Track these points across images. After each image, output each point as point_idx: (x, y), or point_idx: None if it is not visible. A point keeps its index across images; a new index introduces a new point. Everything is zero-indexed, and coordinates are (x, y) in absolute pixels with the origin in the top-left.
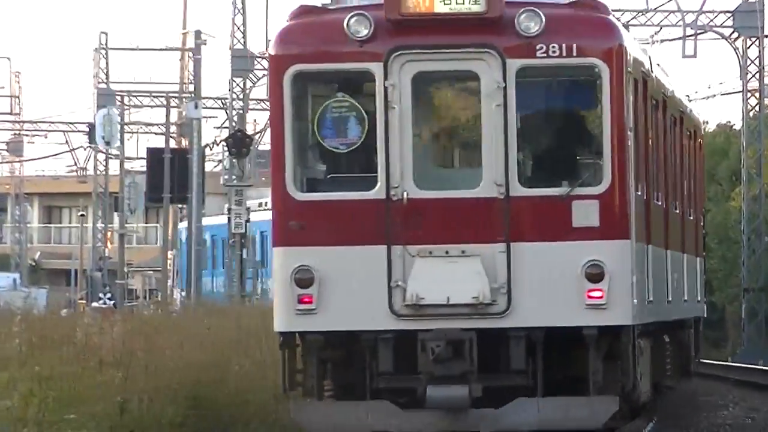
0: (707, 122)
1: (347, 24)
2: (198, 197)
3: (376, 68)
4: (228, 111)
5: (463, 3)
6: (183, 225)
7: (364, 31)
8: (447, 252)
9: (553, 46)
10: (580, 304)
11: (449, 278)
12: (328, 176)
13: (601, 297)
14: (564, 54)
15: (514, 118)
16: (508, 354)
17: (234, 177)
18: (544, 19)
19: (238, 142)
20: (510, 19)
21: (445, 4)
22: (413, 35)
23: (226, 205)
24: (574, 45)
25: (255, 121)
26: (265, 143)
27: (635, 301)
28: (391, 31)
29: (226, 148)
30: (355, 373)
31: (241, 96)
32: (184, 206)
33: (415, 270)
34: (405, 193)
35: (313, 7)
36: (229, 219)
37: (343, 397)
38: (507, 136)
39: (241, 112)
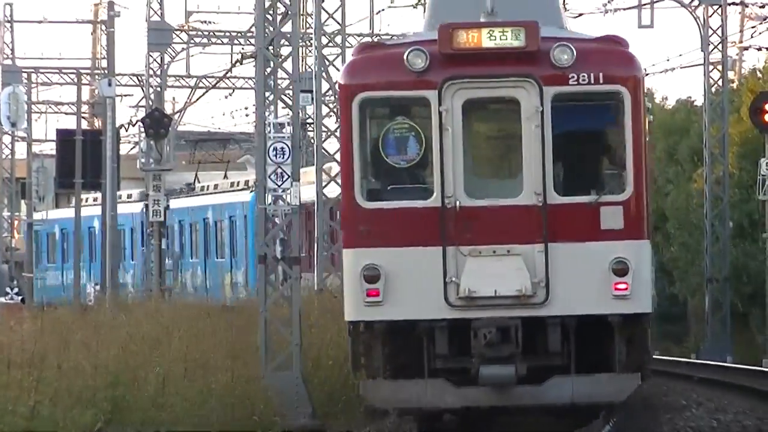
0: (666, 98)
1: (406, 57)
2: (113, 182)
3: (431, 95)
4: (144, 88)
5: (506, 39)
6: (91, 211)
7: (421, 64)
8: (494, 251)
9: (583, 75)
10: (607, 295)
11: (496, 274)
12: (390, 187)
13: (626, 289)
14: (592, 82)
15: (550, 137)
16: (545, 338)
17: (151, 160)
18: (575, 52)
19: (156, 122)
20: (546, 52)
21: (490, 39)
22: (463, 66)
23: (137, 191)
24: (601, 74)
25: (174, 99)
26: (185, 123)
27: (653, 292)
28: (444, 63)
29: (142, 129)
30: (412, 356)
31: (158, 72)
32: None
33: (467, 267)
34: (457, 202)
35: (374, 43)
36: (146, 206)
37: (401, 377)
38: (544, 152)
39: (158, 89)
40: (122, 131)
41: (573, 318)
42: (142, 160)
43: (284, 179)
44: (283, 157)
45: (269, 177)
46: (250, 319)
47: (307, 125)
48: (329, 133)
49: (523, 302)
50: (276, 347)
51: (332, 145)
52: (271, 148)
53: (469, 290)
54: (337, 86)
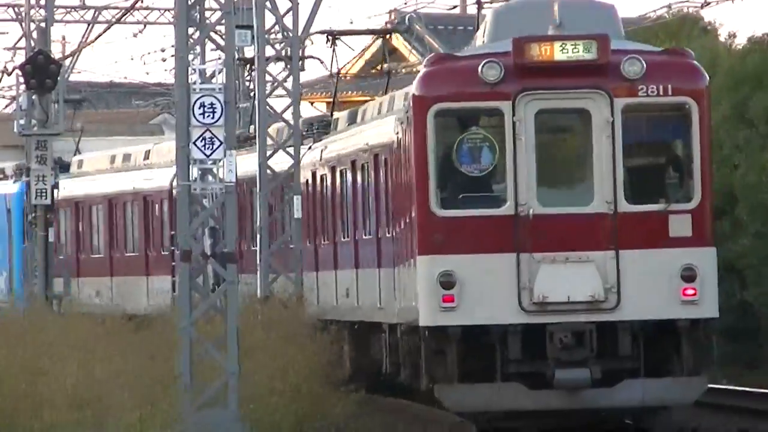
0: (734, 36)
1: (481, 69)
2: None
3: (505, 106)
4: (24, 24)
5: (578, 51)
6: None
7: (495, 76)
8: (567, 258)
9: (652, 87)
10: (676, 301)
11: (569, 280)
12: (464, 195)
13: (694, 294)
14: (661, 93)
15: (620, 147)
16: (616, 342)
17: (34, 122)
18: (644, 65)
19: (41, 70)
20: (616, 65)
21: (563, 52)
22: (536, 78)
23: (10, 164)
24: (669, 86)
25: (64, 39)
26: (78, 70)
27: (718, 297)
28: (517, 75)
29: (21, 79)
30: (485, 360)
31: (42, 2)
32: None
33: (541, 273)
34: (530, 210)
35: (447, 55)
36: (27, 184)
37: (473, 381)
38: (614, 162)
39: (43, 25)
40: None
41: (643, 322)
42: (22, 122)
43: (215, 147)
44: (212, 117)
45: (194, 144)
46: (167, 339)
47: (246, 72)
48: (275, 84)
49: (595, 307)
50: (204, 376)
51: (280, 102)
52: (197, 105)
53: (543, 296)
54: (410, 98)
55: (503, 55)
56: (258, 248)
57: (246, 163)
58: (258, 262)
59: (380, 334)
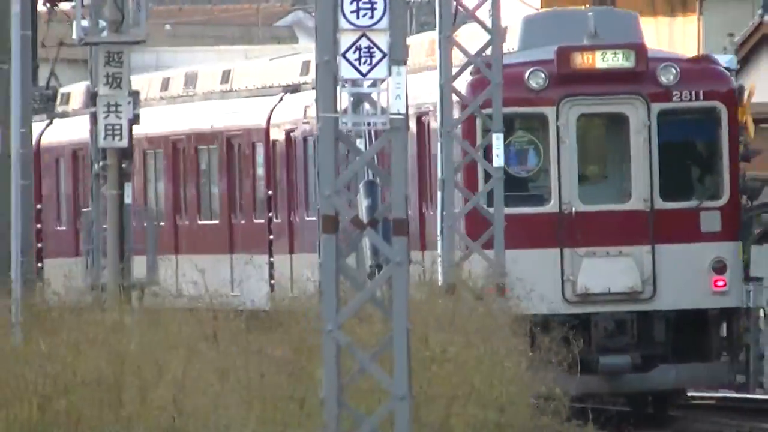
0: None
1: (527, 77)
2: (24, 67)
3: (549, 111)
4: None
5: (618, 60)
6: None
7: (540, 83)
8: (607, 253)
9: (685, 93)
10: (708, 291)
11: (609, 273)
12: (511, 194)
13: (724, 285)
14: (693, 98)
15: (656, 149)
16: (652, 329)
17: (103, 25)
18: (678, 72)
19: None
20: (652, 72)
21: (603, 60)
22: (578, 85)
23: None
24: (701, 91)
25: None
26: None
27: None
28: (560, 82)
29: None
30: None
31: None
32: None
33: (583, 267)
34: (573, 208)
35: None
36: (93, 116)
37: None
38: (651, 162)
39: None
40: None
41: (677, 312)
42: (84, 24)
43: (374, 60)
44: (371, 16)
45: (344, 56)
46: (294, 344)
47: None
48: None
49: (633, 298)
50: (358, 399)
51: None
52: None
53: (586, 287)
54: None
55: (546, 63)
56: (438, 211)
57: (419, 85)
58: (438, 232)
59: None
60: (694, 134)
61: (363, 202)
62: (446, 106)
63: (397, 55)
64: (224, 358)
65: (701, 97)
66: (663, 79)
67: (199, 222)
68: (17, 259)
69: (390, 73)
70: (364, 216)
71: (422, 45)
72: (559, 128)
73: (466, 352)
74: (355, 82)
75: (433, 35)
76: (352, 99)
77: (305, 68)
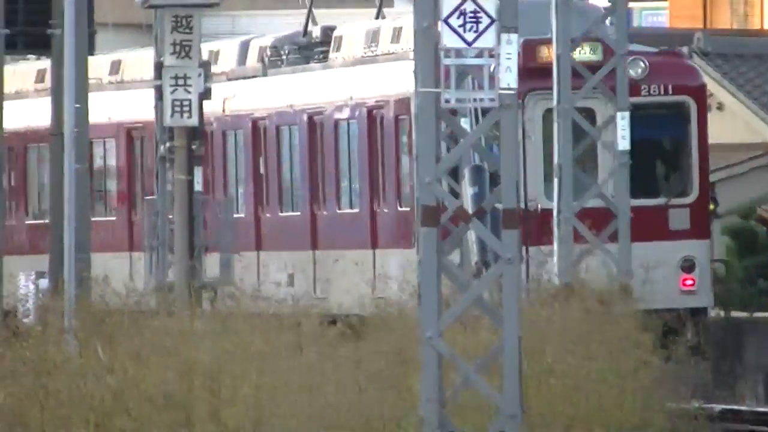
0: None
1: None
2: (79, 34)
3: None
4: None
5: (586, 54)
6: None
7: None
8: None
9: (654, 87)
10: (676, 291)
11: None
12: None
13: (692, 285)
14: (662, 93)
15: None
16: None
17: None
18: (647, 66)
19: None
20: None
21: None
22: (543, 79)
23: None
24: (670, 86)
25: None
26: None
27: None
28: (526, 76)
29: None
30: None
31: None
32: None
33: None
34: (539, 205)
35: None
36: (158, 90)
37: None
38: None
39: None
40: None
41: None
42: None
43: (481, 27)
44: None
45: (446, 22)
46: (387, 353)
47: None
48: None
49: None
50: (464, 417)
51: None
52: None
53: None
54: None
55: None
56: (555, 201)
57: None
58: (555, 224)
59: None
60: (662, 129)
61: (468, 191)
62: (564, 79)
63: (508, 21)
64: (309, 371)
65: (670, 92)
66: (631, 73)
67: (339, 210)
68: (71, 256)
69: (499, 42)
70: (469, 206)
71: None
72: (525, 123)
73: (588, 365)
74: (459, 52)
75: None
76: (456, 73)
77: (396, 35)
